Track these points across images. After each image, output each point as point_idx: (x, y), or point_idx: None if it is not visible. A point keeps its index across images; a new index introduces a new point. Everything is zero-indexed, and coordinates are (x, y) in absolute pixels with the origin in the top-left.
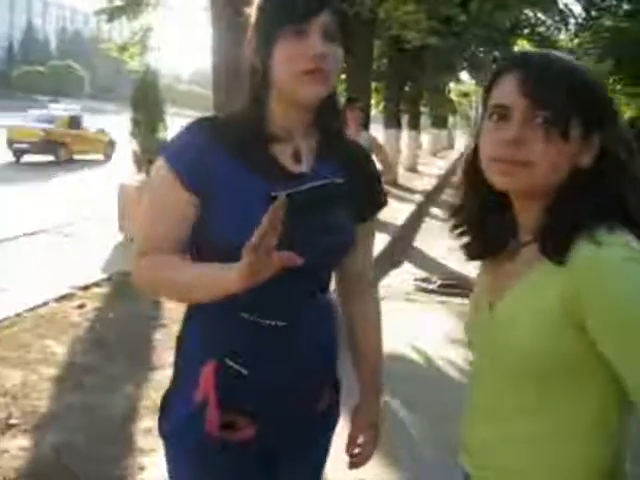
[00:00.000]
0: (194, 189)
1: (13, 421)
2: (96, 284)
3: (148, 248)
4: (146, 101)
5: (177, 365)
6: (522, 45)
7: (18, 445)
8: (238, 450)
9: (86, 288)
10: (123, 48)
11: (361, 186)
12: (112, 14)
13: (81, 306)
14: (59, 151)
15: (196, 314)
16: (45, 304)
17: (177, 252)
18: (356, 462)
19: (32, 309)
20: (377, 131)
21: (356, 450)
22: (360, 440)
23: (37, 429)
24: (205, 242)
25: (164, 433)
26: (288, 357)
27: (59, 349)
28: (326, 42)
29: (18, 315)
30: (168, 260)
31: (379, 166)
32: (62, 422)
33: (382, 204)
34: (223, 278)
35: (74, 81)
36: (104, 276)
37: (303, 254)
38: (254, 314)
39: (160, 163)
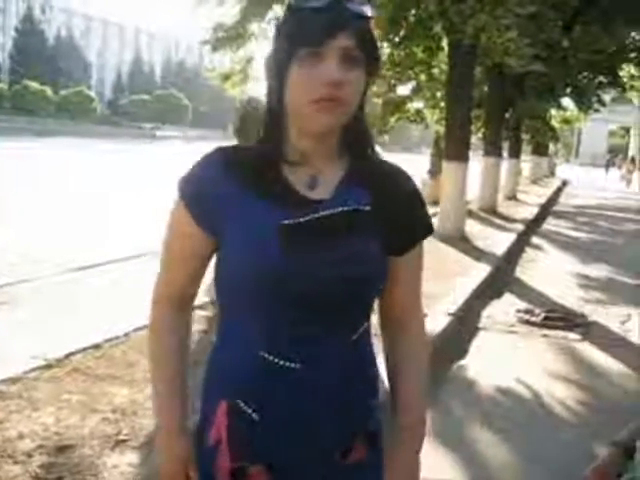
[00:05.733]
0: (208, 228)
1: (122, 437)
2: (201, 307)
3: (162, 293)
4: (248, 129)
5: (202, 399)
6: (628, 70)
7: (127, 461)
8: None
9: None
10: (227, 77)
11: (395, 215)
12: (216, 45)
13: None
14: None
15: (219, 347)
16: None
17: (187, 300)
18: None
19: (139, 329)
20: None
21: None
22: None
23: (145, 446)
24: (222, 281)
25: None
26: (303, 403)
27: None
28: (345, 67)
29: (126, 335)
30: (167, 349)
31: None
32: None
33: (423, 235)
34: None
35: (177, 109)
36: (207, 299)
37: (317, 288)
38: (272, 353)
39: (176, 199)
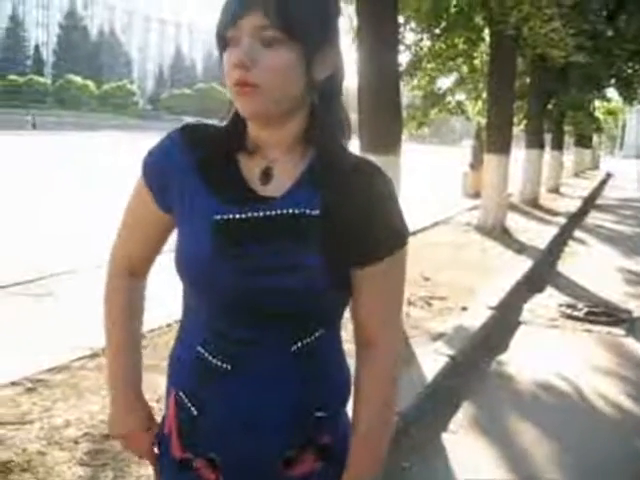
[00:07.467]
0: (161, 202)
1: None
2: None
3: (117, 254)
4: None
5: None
6: None
7: None
8: None
9: None
10: None
11: (351, 222)
12: None
13: None
14: None
15: (177, 338)
16: None
17: (140, 266)
18: None
19: None
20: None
21: None
22: None
23: None
24: (175, 266)
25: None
26: (235, 406)
27: None
28: (262, 48)
29: (169, 325)
30: (120, 317)
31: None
32: None
33: (388, 249)
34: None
35: (220, 103)
36: None
37: (242, 296)
38: (207, 350)
39: (139, 173)
